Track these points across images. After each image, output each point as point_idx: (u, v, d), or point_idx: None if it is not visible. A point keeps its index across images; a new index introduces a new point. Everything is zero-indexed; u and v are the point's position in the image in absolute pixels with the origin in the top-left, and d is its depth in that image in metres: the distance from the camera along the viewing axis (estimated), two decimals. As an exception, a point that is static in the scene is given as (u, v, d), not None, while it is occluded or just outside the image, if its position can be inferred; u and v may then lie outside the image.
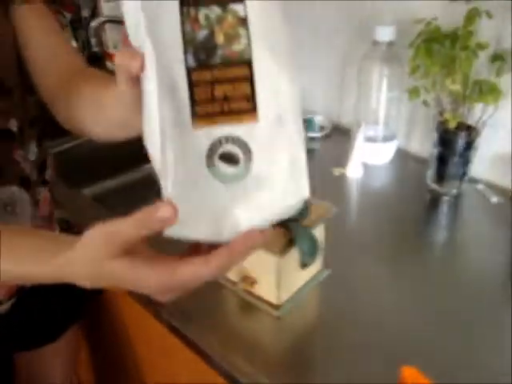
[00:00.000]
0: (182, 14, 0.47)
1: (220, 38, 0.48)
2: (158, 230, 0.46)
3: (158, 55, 0.47)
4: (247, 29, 0.48)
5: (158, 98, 0.46)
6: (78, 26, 2.15)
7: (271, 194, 0.50)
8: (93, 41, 1.85)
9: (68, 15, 2.15)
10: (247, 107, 0.49)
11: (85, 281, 0.52)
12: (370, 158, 1.31)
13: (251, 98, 0.49)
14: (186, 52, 0.47)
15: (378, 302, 0.91)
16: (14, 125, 0.79)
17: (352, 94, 1.42)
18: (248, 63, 0.48)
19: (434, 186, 1.21)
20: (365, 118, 1.30)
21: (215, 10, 0.48)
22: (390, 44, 1.20)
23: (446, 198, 1.20)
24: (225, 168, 0.49)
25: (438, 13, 1.15)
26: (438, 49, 1.11)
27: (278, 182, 0.50)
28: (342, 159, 1.31)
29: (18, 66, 0.80)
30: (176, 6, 0.47)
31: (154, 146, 0.48)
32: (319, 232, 0.87)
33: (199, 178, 0.48)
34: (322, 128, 1.48)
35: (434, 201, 1.20)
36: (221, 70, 0.48)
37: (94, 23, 1.81)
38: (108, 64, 2.03)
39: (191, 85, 0.47)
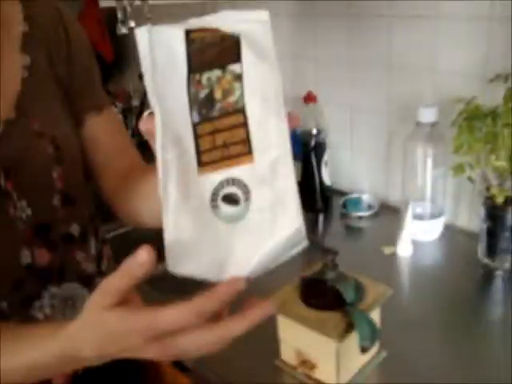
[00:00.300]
0: (188, 80, 0.54)
1: (218, 94, 0.54)
2: (142, 275, 0.50)
3: (167, 116, 0.53)
4: (241, 83, 0.54)
5: (161, 148, 0.52)
6: (128, 115, 2.26)
7: (269, 231, 0.55)
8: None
9: (119, 104, 2.27)
10: (244, 150, 0.55)
11: (90, 350, 0.55)
12: (419, 235, 1.32)
13: (247, 141, 0.55)
14: (191, 110, 0.53)
15: (436, 381, 0.90)
16: (75, 229, 0.82)
17: (397, 172, 1.46)
18: (242, 111, 0.55)
19: (486, 261, 1.21)
20: (412, 195, 1.32)
21: (216, 73, 0.54)
22: (434, 124, 1.24)
23: (498, 273, 1.19)
24: (227, 208, 0.54)
25: (477, 92, 1.19)
26: (480, 126, 1.14)
27: (274, 218, 0.55)
28: (391, 237, 1.33)
29: (83, 176, 0.86)
30: (184, 74, 0.53)
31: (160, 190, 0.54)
32: (375, 314, 0.88)
33: (203, 219, 0.54)
34: (369, 206, 1.51)
35: (487, 275, 1.20)
36: (219, 120, 0.54)
37: (145, 114, 1.89)
38: (157, 151, 2.12)
39: (196, 137, 0.54)
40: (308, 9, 1.54)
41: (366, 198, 1.53)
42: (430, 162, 1.27)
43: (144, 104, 2.22)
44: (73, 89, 0.84)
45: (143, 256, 0.49)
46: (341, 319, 0.82)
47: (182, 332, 0.51)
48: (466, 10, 1.22)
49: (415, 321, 1.05)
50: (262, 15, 0.56)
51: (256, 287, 1.07)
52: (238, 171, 0.55)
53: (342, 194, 1.60)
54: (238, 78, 0.55)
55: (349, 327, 0.82)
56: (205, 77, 0.54)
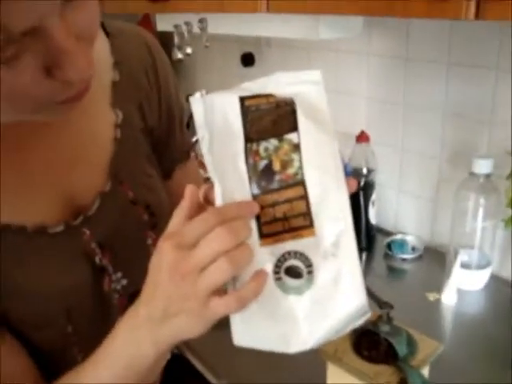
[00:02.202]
0: (245, 149, 0.54)
1: (277, 165, 0.54)
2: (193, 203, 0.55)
3: (226, 188, 0.53)
4: (299, 153, 0.54)
5: None
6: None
7: (332, 305, 0.54)
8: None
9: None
10: (305, 223, 0.54)
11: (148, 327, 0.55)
12: (464, 284, 1.31)
13: (308, 214, 0.54)
14: (250, 182, 0.54)
15: None
16: None
17: (444, 217, 1.45)
18: (302, 183, 0.54)
19: (533, 317, 1.19)
20: (459, 242, 1.32)
21: (273, 142, 0.54)
22: (487, 175, 1.23)
23: (545, 329, 1.18)
24: (290, 281, 0.54)
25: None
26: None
27: (337, 292, 0.54)
28: (434, 282, 1.32)
29: None
30: (241, 143, 0.54)
31: None
32: (425, 370, 0.88)
33: (266, 292, 0.54)
34: (413, 249, 1.50)
35: (532, 331, 1.19)
36: (279, 192, 0.54)
37: (193, 140, 1.92)
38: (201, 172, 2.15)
39: None
40: (363, 46, 1.56)
41: (410, 239, 1.53)
42: (481, 211, 1.26)
43: (189, 124, 2.25)
44: (162, 139, 0.81)
45: (188, 192, 0.54)
46: (393, 373, 0.82)
47: (200, 242, 0.51)
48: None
49: (457, 371, 1.05)
50: (315, 76, 0.57)
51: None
52: (299, 244, 0.54)
53: (386, 233, 1.60)
54: (296, 147, 0.54)
55: (401, 382, 0.82)
56: (262, 147, 0.54)
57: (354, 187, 0.56)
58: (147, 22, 2.24)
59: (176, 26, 1.70)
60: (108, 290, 0.72)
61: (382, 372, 0.82)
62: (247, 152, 0.54)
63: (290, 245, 0.54)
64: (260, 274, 0.53)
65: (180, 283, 0.51)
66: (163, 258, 0.52)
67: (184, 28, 1.68)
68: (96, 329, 0.70)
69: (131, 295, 0.73)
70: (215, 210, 0.52)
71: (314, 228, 0.54)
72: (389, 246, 1.52)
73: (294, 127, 0.54)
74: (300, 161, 0.54)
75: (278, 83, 0.55)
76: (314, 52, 1.69)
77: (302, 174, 0.54)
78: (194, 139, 2.06)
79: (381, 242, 1.55)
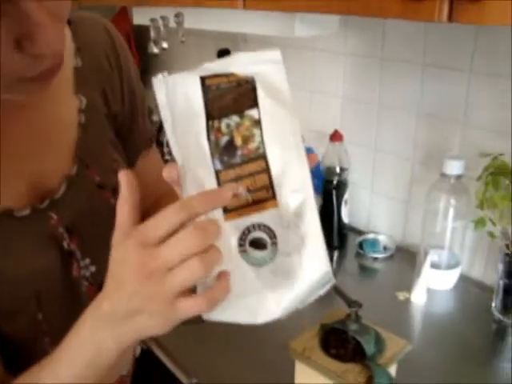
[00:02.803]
0: (207, 127, 0.55)
1: (239, 141, 0.55)
2: (132, 194, 0.53)
3: (189, 165, 0.54)
4: (260, 128, 0.55)
5: (186, 195, 0.54)
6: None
7: (297, 274, 0.55)
8: (166, 150, 1.96)
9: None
10: (267, 196, 0.55)
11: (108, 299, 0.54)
12: (433, 284, 1.32)
13: (270, 187, 0.55)
14: (212, 158, 0.55)
15: None
16: None
17: (415, 217, 1.47)
18: (263, 157, 0.55)
19: (500, 317, 1.21)
20: (429, 242, 1.33)
21: (234, 118, 0.55)
22: (458, 177, 1.25)
23: (512, 330, 1.20)
24: (255, 253, 0.55)
25: (505, 149, 1.20)
26: (506, 183, 1.15)
27: (301, 260, 0.55)
28: (405, 281, 1.33)
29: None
30: (203, 121, 0.55)
31: None
32: (392, 369, 0.89)
33: (233, 264, 0.54)
34: (385, 248, 1.51)
35: (500, 331, 1.20)
36: (242, 167, 0.55)
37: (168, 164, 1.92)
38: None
39: (219, 184, 0.55)
40: (338, 45, 1.56)
41: (382, 239, 1.54)
42: (451, 212, 1.28)
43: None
44: (125, 126, 0.81)
45: (123, 179, 0.52)
46: (360, 372, 0.82)
47: (168, 240, 0.50)
48: (497, 70, 1.23)
49: (425, 370, 1.06)
50: (275, 55, 0.58)
51: (276, 332, 1.08)
52: (263, 216, 0.55)
53: (358, 232, 1.61)
54: (257, 123, 0.56)
55: (368, 380, 0.82)
56: (224, 123, 0.55)
57: (315, 162, 0.57)
58: (124, 15, 2.23)
59: (152, 20, 1.69)
60: (77, 276, 0.71)
61: (349, 370, 0.82)
62: (209, 129, 0.55)
63: (253, 217, 0.55)
64: (225, 273, 0.53)
65: (146, 282, 0.50)
66: (127, 256, 0.51)
67: (160, 22, 1.67)
68: (66, 318, 0.69)
69: (101, 284, 0.73)
70: (180, 206, 0.50)
71: (277, 200, 0.55)
72: (360, 244, 1.53)
73: (255, 104, 0.56)
74: (261, 135, 0.55)
75: (238, 63, 0.57)
76: (291, 49, 1.69)
77: (264, 149, 0.55)
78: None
79: (353, 241, 1.56)
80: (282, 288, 0.55)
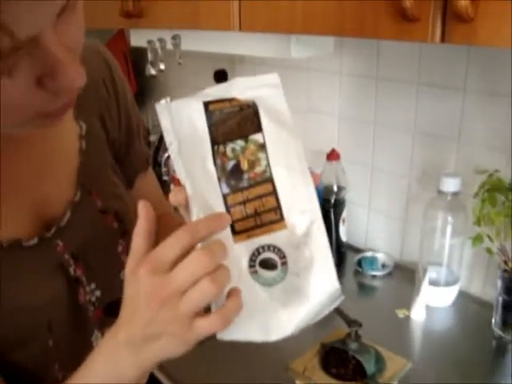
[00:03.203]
0: (213, 151, 0.56)
1: (245, 165, 0.57)
2: (150, 226, 0.55)
3: (197, 189, 0.55)
4: (266, 152, 0.57)
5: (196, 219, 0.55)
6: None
7: (307, 292, 0.57)
8: (163, 171, 1.96)
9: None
10: (276, 217, 0.57)
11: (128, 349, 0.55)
12: (432, 301, 1.32)
13: (278, 209, 0.57)
14: (219, 182, 0.56)
15: None
16: None
17: (413, 235, 1.47)
18: (270, 180, 0.57)
19: (500, 333, 1.21)
20: (428, 259, 1.33)
21: (239, 143, 0.57)
22: (455, 194, 1.25)
23: None
24: (265, 273, 0.57)
25: (501, 166, 1.21)
26: (503, 200, 1.16)
27: (311, 278, 0.57)
28: (404, 299, 1.33)
29: None
30: (208, 146, 0.56)
31: None
32: (394, 387, 0.89)
33: (244, 286, 0.56)
34: (383, 266, 1.52)
35: (500, 347, 1.20)
36: (249, 190, 0.57)
37: (165, 155, 1.93)
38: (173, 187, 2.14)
39: (227, 208, 0.56)
40: (334, 65, 1.58)
41: (380, 256, 1.54)
42: (449, 229, 1.28)
43: (162, 140, 2.25)
44: (122, 150, 0.82)
45: (141, 210, 0.54)
46: (361, 391, 0.83)
47: (178, 265, 0.51)
48: (491, 88, 1.25)
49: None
50: (273, 79, 0.60)
51: (277, 351, 1.08)
52: (272, 237, 0.57)
53: (356, 250, 1.61)
54: (262, 147, 0.57)
55: (369, 400, 0.82)
56: (229, 148, 0.57)
57: (318, 181, 0.59)
58: (121, 37, 2.25)
59: (149, 42, 1.70)
60: (83, 301, 0.71)
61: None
62: (215, 154, 0.56)
63: (263, 239, 0.57)
64: (236, 291, 0.54)
65: (160, 309, 0.52)
66: (140, 284, 0.52)
67: (157, 44, 1.68)
68: (74, 343, 0.71)
69: (106, 307, 0.74)
70: (186, 230, 0.52)
71: (285, 221, 0.57)
72: (359, 262, 1.53)
73: (259, 128, 0.57)
74: (267, 159, 0.57)
75: (238, 88, 0.58)
76: (287, 70, 1.70)
77: (270, 172, 0.57)
78: (166, 155, 2.06)
79: (351, 259, 1.56)
80: (293, 306, 0.57)
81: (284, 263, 0.57)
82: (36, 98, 0.49)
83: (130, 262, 0.54)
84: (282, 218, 0.57)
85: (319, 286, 0.57)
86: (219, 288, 0.52)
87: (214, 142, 0.57)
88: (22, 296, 0.64)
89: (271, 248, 0.57)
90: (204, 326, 0.52)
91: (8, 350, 0.64)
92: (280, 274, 0.57)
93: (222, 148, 0.57)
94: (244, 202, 0.56)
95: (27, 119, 0.51)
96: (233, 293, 0.54)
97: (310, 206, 0.58)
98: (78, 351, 0.70)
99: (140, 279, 0.52)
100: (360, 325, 0.86)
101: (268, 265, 0.57)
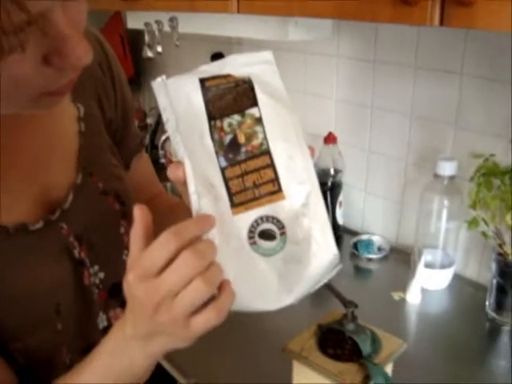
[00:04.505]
0: (210, 127, 0.57)
1: (242, 138, 0.58)
2: (146, 229, 0.54)
3: (195, 163, 0.56)
4: (262, 125, 0.58)
5: (196, 196, 0.56)
6: (142, 132, 2.28)
7: (307, 260, 0.58)
8: (160, 153, 1.96)
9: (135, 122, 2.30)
10: (274, 189, 0.58)
11: (137, 342, 0.57)
12: (428, 283, 1.34)
13: (276, 180, 0.58)
14: (217, 156, 0.57)
15: None
16: None
17: (409, 218, 1.48)
18: (267, 152, 0.58)
19: (494, 315, 1.23)
20: (424, 243, 1.34)
21: (236, 118, 0.58)
22: (451, 177, 1.26)
23: (505, 328, 1.21)
24: (264, 244, 0.58)
25: (498, 150, 1.22)
26: (498, 184, 1.17)
27: (310, 247, 0.58)
28: (400, 281, 1.35)
29: None
30: (205, 121, 0.57)
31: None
32: (388, 368, 0.90)
33: (244, 256, 0.57)
34: (379, 249, 1.53)
35: (494, 329, 1.22)
36: (247, 163, 0.58)
37: (162, 138, 1.93)
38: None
39: (226, 181, 0.57)
40: (332, 48, 1.58)
41: (376, 240, 1.55)
42: (445, 213, 1.29)
43: (159, 123, 2.25)
44: (119, 131, 0.83)
45: (137, 214, 0.54)
46: (357, 371, 0.84)
47: (168, 269, 0.51)
48: (489, 72, 1.25)
49: (420, 369, 1.07)
50: (267, 56, 0.61)
51: (274, 332, 1.09)
52: (270, 208, 0.58)
53: (353, 234, 1.62)
54: (258, 121, 0.58)
55: (365, 380, 0.83)
56: (226, 123, 0.58)
57: (313, 154, 0.61)
58: (118, 19, 2.24)
59: (147, 25, 1.69)
60: (88, 284, 0.72)
61: (346, 370, 0.83)
62: (212, 129, 0.57)
63: (261, 210, 0.58)
64: (226, 281, 0.55)
65: (155, 313, 0.52)
66: (133, 291, 0.53)
67: (155, 27, 1.67)
68: (81, 326, 0.72)
69: (110, 289, 0.75)
70: (172, 233, 0.51)
71: (283, 192, 0.58)
72: (355, 245, 1.54)
73: (254, 103, 0.58)
74: (263, 132, 0.58)
75: (233, 65, 0.59)
76: (285, 53, 1.70)
77: (267, 144, 0.58)
78: (163, 137, 2.06)
79: (347, 242, 1.57)
80: (293, 275, 0.58)
81: (283, 233, 0.58)
82: (42, 75, 0.49)
83: (128, 264, 0.55)
84: (280, 189, 0.58)
85: (318, 254, 0.58)
86: (211, 287, 0.52)
87: (211, 118, 0.57)
88: (29, 281, 0.64)
89: (270, 219, 0.58)
90: (201, 323, 0.53)
91: (19, 337, 0.65)
92: (279, 244, 0.58)
93: (218, 123, 0.57)
94: (242, 175, 0.57)
95: (32, 97, 0.51)
96: (224, 284, 0.54)
97: (308, 176, 0.59)
98: (85, 334, 0.72)
99: (131, 286, 0.53)
100: (356, 306, 0.87)
101: (267, 235, 0.58)
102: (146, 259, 0.52)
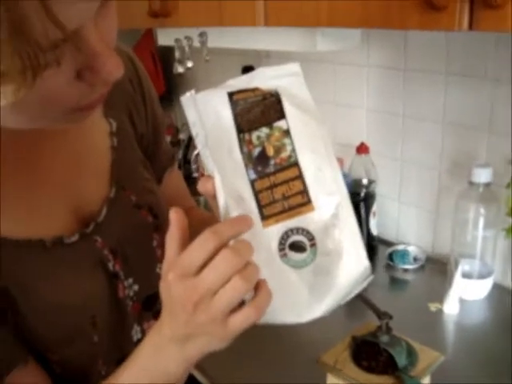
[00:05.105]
0: (239, 140, 0.57)
1: (271, 151, 0.58)
2: (182, 231, 0.56)
3: (225, 177, 0.56)
4: (290, 138, 0.58)
5: (225, 209, 0.56)
6: (176, 148, 2.30)
7: (337, 272, 0.58)
8: (193, 168, 1.98)
9: (167, 137, 2.32)
10: (304, 201, 0.58)
11: (174, 344, 0.57)
12: (466, 294, 1.31)
13: (305, 192, 0.58)
14: (246, 169, 0.57)
15: None
16: None
17: (445, 227, 1.45)
18: (296, 164, 0.58)
19: (535, 326, 1.19)
20: (460, 252, 1.32)
21: (264, 130, 0.58)
22: (487, 185, 1.23)
23: (548, 339, 1.17)
24: (295, 256, 0.57)
25: (534, 155, 1.19)
26: (536, 190, 1.14)
27: (340, 259, 0.58)
28: (436, 292, 1.32)
29: None
30: (234, 135, 0.58)
31: None
32: (426, 380, 0.88)
33: (274, 268, 0.57)
34: (415, 259, 1.50)
35: (535, 340, 1.18)
36: (276, 175, 0.58)
37: (195, 152, 1.94)
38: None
39: (255, 193, 0.57)
40: (361, 58, 1.57)
41: (412, 250, 1.53)
42: (481, 221, 1.26)
43: (191, 138, 2.27)
44: (150, 146, 0.84)
45: (173, 217, 0.55)
46: (393, 384, 0.82)
47: (206, 268, 0.52)
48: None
49: (458, 382, 1.04)
50: (294, 67, 0.61)
51: (308, 344, 1.08)
52: (300, 220, 0.58)
53: (388, 244, 1.60)
54: (286, 133, 0.58)
55: (401, 393, 0.82)
56: (254, 135, 0.58)
57: (342, 165, 0.60)
58: (149, 37, 2.27)
59: (177, 41, 1.71)
60: (123, 296, 0.73)
61: (381, 382, 0.82)
62: (241, 142, 0.58)
63: (291, 222, 0.58)
64: (263, 281, 0.55)
65: (194, 312, 0.53)
66: (172, 291, 0.54)
67: (185, 42, 1.69)
68: (116, 338, 0.73)
69: (144, 301, 0.76)
70: (212, 232, 0.53)
71: (313, 204, 0.58)
72: (390, 256, 1.52)
73: (282, 115, 0.59)
74: (292, 144, 0.58)
75: (261, 78, 0.60)
76: (314, 64, 1.70)
77: (296, 156, 0.58)
78: (195, 152, 2.08)
79: (382, 253, 1.55)
80: (323, 287, 0.58)
81: (313, 245, 0.58)
82: (75, 91, 0.50)
83: (164, 266, 0.56)
84: (309, 201, 0.58)
85: (349, 266, 0.58)
86: (250, 284, 0.53)
87: (240, 131, 0.58)
88: (65, 293, 0.65)
89: (300, 231, 0.58)
90: (240, 321, 0.53)
91: (55, 349, 0.66)
92: (310, 256, 0.58)
93: (247, 136, 0.58)
94: (271, 187, 0.57)
95: (64, 112, 0.52)
96: (260, 283, 0.55)
97: (337, 188, 0.59)
98: (120, 346, 0.72)
99: (171, 286, 0.54)
100: (390, 317, 0.85)
101: (297, 247, 0.58)
102: (185, 259, 0.53)
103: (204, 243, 0.52)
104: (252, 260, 0.54)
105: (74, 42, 0.46)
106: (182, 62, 1.75)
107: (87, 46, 0.48)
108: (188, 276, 0.52)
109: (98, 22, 0.49)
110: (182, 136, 2.35)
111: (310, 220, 0.58)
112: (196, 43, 1.63)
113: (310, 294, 0.58)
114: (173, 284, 0.53)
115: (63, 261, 0.66)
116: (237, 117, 0.58)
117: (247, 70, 1.90)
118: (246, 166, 0.57)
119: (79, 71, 0.49)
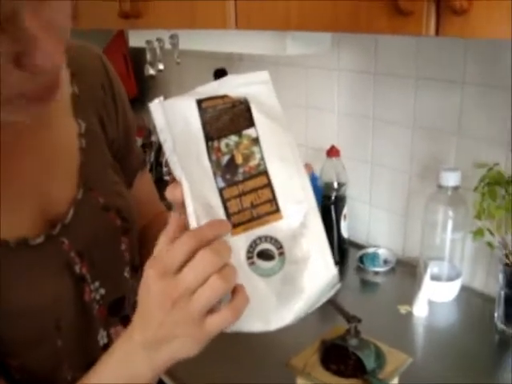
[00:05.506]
0: (207, 147, 0.57)
1: (239, 159, 0.58)
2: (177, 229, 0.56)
3: (193, 184, 0.56)
4: (259, 146, 0.59)
5: (195, 217, 0.56)
6: (147, 150, 2.29)
7: (305, 280, 0.58)
8: (165, 171, 1.97)
9: (139, 139, 2.31)
10: (272, 209, 0.58)
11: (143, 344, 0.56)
12: (435, 296, 1.32)
13: (273, 201, 0.58)
14: (215, 177, 0.57)
15: None
16: None
17: (415, 229, 1.47)
18: (265, 173, 0.58)
19: (503, 327, 1.20)
20: (429, 255, 1.33)
21: (233, 138, 0.58)
22: (455, 188, 1.25)
23: (515, 340, 1.19)
24: (263, 264, 0.58)
25: (501, 159, 1.21)
26: (503, 193, 1.15)
27: (308, 267, 0.58)
28: (406, 294, 1.33)
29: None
30: (202, 142, 0.57)
31: None
32: (394, 382, 0.88)
33: (242, 277, 0.56)
34: (385, 262, 1.51)
35: (503, 342, 1.19)
36: (244, 183, 0.58)
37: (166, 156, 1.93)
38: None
39: (224, 201, 0.57)
40: (332, 62, 1.58)
41: (382, 252, 1.54)
42: (450, 224, 1.28)
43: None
44: (121, 150, 0.83)
45: (174, 218, 0.56)
46: (361, 388, 0.82)
47: (186, 267, 0.53)
48: (490, 80, 1.24)
49: (428, 383, 1.05)
50: (264, 76, 0.62)
51: (277, 348, 1.08)
52: (268, 229, 0.58)
53: (358, 247, 1.61)
54: (255, 141, 0.59)
55: (369, 396, 0.82)
56: (223, 143, 0.58)
57: (310, 171, 0.60)
58: (121, 39, 2.25)
59: (148, 42, 1.70)
60: (89, 300, 0.72)
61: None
62: (209, 150, 0.58)
63: (259, 231, 0.58)
64: (240, 285, 0.56)
65: (171, 310, 0.53)
66: (150, 287, 0.54)
67: (156, 44, 1.68)
68: (82, 343, 0.72)
69: (111, 305, 0.75)
70: (192, 233, 0.54)
71: (281, 212, 0.58)
72: (361, 259, 1.53)
73: (251, 123, 0.59)
74: (261, 152, 0.59)
75: (230, 85, 0.60)
76: (286, 67, 1.70)
77: (264, 165, 0.58)
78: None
79: (353, 256, 1.56)
80: (292, 295, 0.58)
81: (281, 253, 0.58)
82: (14, 77, 0.49)
83: (147, 264, 0.56)
84: (277, 210, 0.58)
85: (317, 274, 0.58)
86: (228, 284, 0.53)
87: (208, 138, 0.58)
88: (30, 296, 0.64)
89: (268, 239, 0.58)
90: (215, 322, 0.54)
91: (17, 353, 0.65)
92: (278, 265, 0.58)
93: (216, 143, 0.58)
94: (240, 196, 0.58)
95: (9, 101, 0.51)
96: (238, 288, 0.55)
97: (305, 196, 0.59)
98: (86, 350, 0.71)
99: (149, 282, 0.54)
100: (359, 320, 0.86)
101: (265, 256, 0.58)
102: (166, 257, 0.54)
103: (185, 243, 0.53)
104: (230, 261, 0.54)
105: (6, 28, 0.45)
106: (153, 64, 1.74)
107: (23, 30, 0.46)
108: (167, 274, 0.53)
109: (40, 10, 0.47)
110: (154, 138, 2.34)
111: (279, 228, 0.58)
112: (167, 45, 1.62)
113: (278, 302, 0.58)
114: (151, 280, 0.54)
115: (28, 263, 0.65)
116: (205, 124, 0.58)
117: (219, 72, 1.90)
118: (215, 173, 0.57)
119: (17, 57, 0.48)
